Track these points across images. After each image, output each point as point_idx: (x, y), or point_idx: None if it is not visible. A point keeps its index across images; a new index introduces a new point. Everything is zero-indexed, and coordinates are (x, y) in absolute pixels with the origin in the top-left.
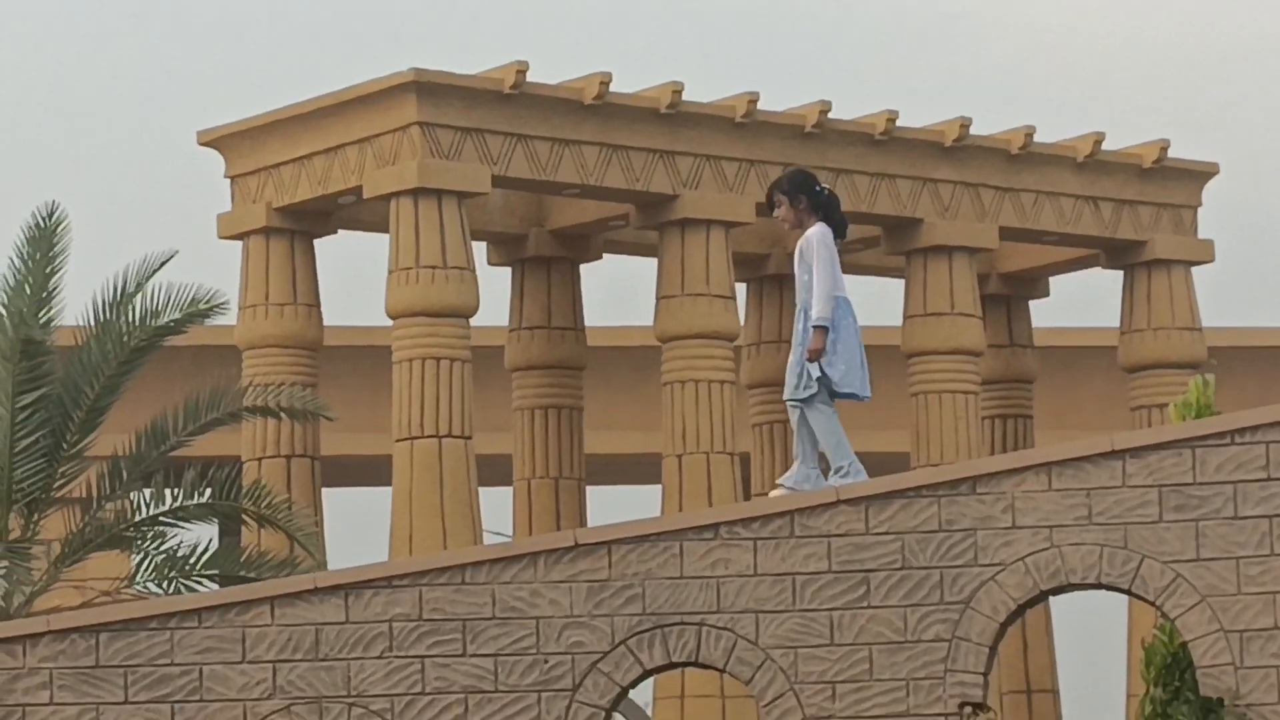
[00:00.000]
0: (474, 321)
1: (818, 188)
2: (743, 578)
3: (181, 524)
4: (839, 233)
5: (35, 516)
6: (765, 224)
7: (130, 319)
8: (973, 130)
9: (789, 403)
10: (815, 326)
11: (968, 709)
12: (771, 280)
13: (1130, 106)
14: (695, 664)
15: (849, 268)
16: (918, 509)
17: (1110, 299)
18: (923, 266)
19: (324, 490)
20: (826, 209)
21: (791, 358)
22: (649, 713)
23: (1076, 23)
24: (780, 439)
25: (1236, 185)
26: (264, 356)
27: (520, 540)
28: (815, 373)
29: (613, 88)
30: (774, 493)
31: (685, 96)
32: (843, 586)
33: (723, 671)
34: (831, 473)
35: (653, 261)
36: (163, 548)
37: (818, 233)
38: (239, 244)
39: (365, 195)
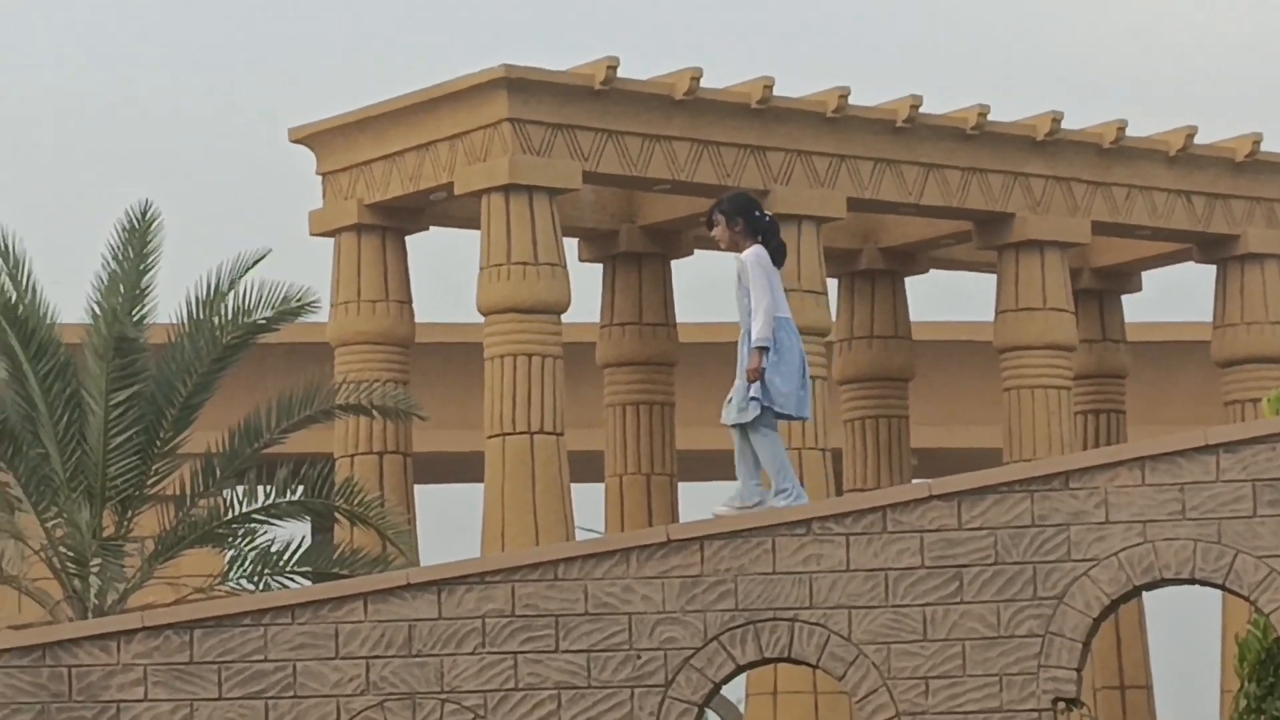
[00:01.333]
0: (565, 318)
1: (758, 213)
2: (835, 573)
3: (274, 521)
4: (777, 260)
5: (129, 514)
6: (856, 219)
7: (223, 317)
8: (1064, 125)
9: (730, 427)
10: (755, 347)
11: (1061, 705)
12: (863, 275)
13: (1222, 100)
14: (788, 660)
15: (940, 262)
16: (1011, 504)
17: (1203, 293)
18: (1015, 261)
19: (416, 487)
20: (765, 234)
21: (736, 382)
22: (741, 710)
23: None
24: (872, 434)
25: None
26: (356, 353)
27: (612, 536)
28: (754, 392)
29: (703, 83)
30: (720, 511)
31: (776, 91)
32: (936, 582)
33: (815, 667)
34: (773, 494)
35: None
36: (255, 545)
37: (753, 255)
38: (331, 241)
39: (456, 191)
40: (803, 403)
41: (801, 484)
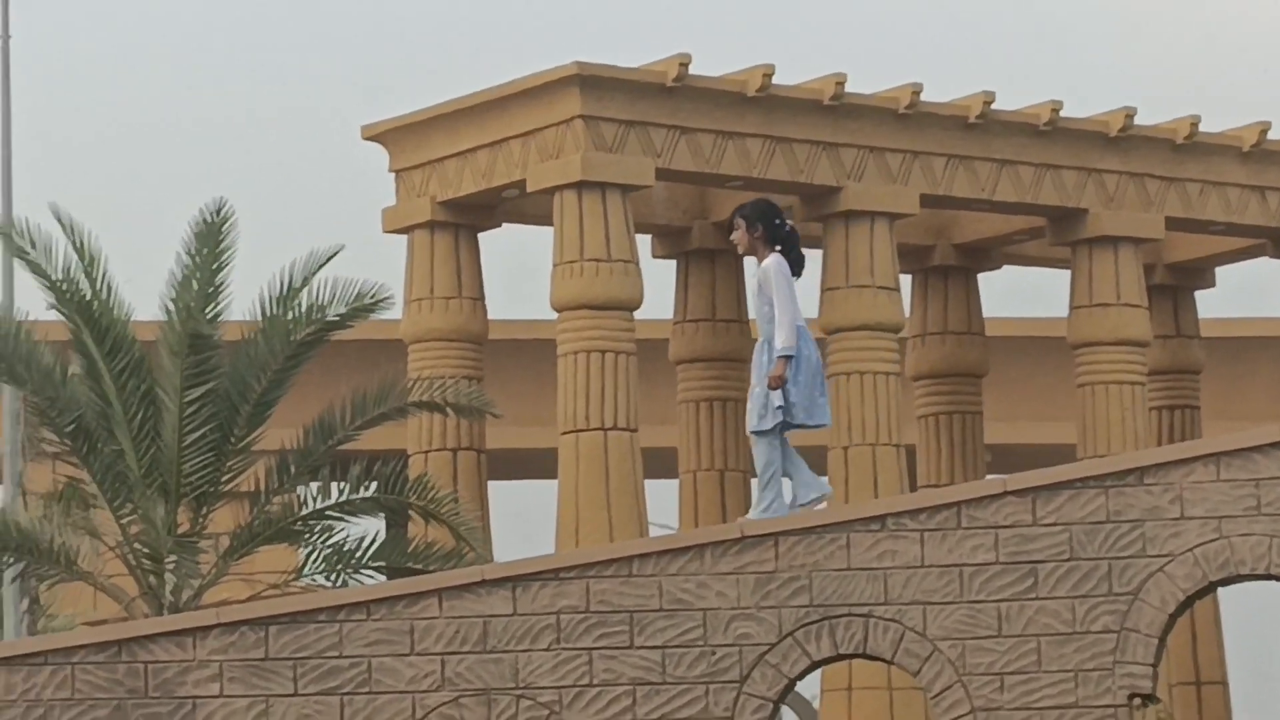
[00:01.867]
0: (638, 314)
1: (778, 220)
2: (910, 569)
3: (348, 517)
4: (795, 270)
5: (204, 510)
6: (929, 215)
7: (296, 314)
8: (1137, 120)
9: (752, 434)
10: (780, 356)
11: (1137, 700)
12: (936, 271)
13: None
14: (863, 656)
15: (1012, 258)
16: (1085, 500)
17: (1277, 289)
18: (1088, 257)
19: (489, 483)
20: (785, 243)
21: (756, 389)
22: (816, 706)
23: (1239, 12)
24: (946, 430)
25: None
26: (429, 350)
27: (687, 532)
28: (777, 401)
29: (775, 80)
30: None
31: (848, 88)
32: (1011, 578)
33: (890, 663)
34: (755, 505)
35: (817, 253)
36: (330, 541)
37: (774, 264)
38: (404, 238)
39: (529, 189)
40: (820, 411)
41: (826, 483)
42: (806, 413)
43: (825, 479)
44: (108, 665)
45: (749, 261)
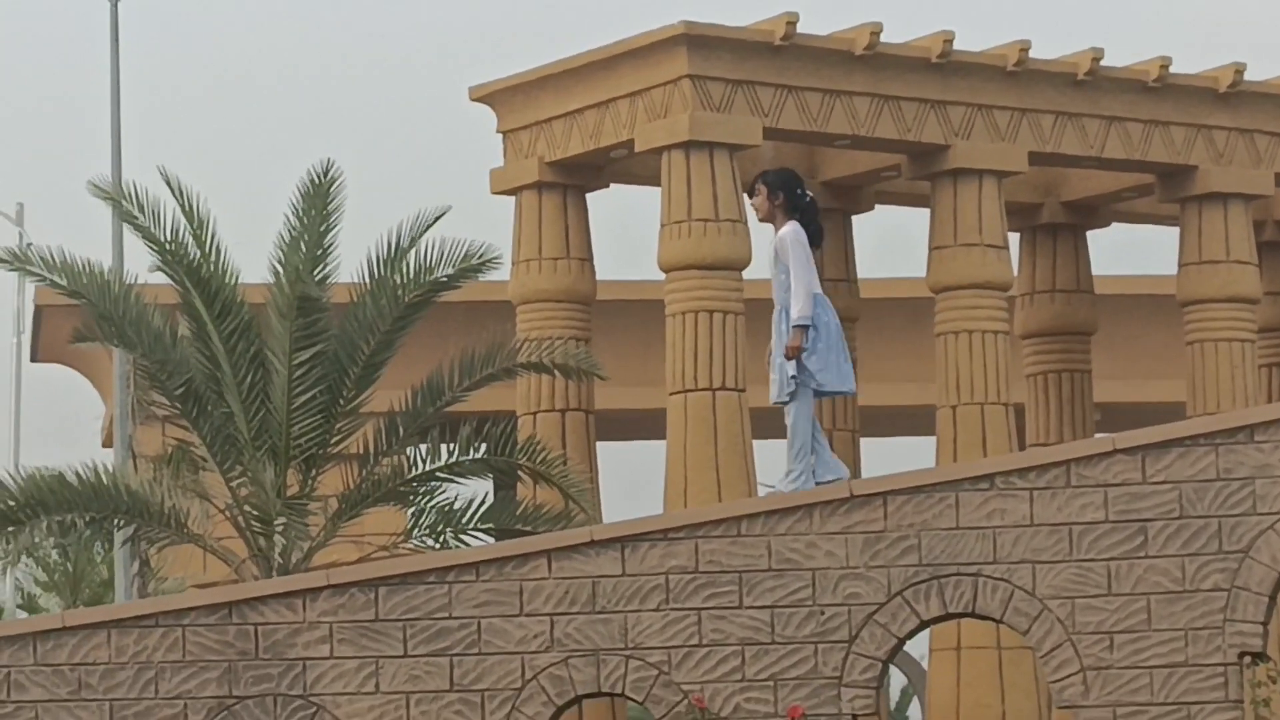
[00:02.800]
0: (746, 274)
1: (800, 190)
2: (1019, 528)
3: (457, 479)
4: (815, 242)
5: (313, 472)
6: (1037, 173)
7: (405, 275)
8: (1247, 76)
9: (776, 403)
10: (796, 325)
11: (1247, 659)
12: (1045, 230)
13: None
14: (972, 615)
15: (1121, 216)
16: (1195, 458)
17: None
18: (1197, 214)
19: (597, 444)
20: (805, 213)
21: (774, 359)
22: (924, 665)
23: None
24: (1055, 389)
25: None
26: (537, 311)
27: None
28: (792, 370)
29: (883, 38)
30: (780, 488)
31: (956, 46)
32: (1120, 536)
33: (999, 622)
34: (783, 475)
35: (924, 212)
36: (438, 503)
37: (791, 232)
38: (511, 199)
39: (637, 149)
40: (845, 377)
41: (845, 468)
42: (830, 379)
43: (843, 464)
44: (218, 627)
45: (857, 220)
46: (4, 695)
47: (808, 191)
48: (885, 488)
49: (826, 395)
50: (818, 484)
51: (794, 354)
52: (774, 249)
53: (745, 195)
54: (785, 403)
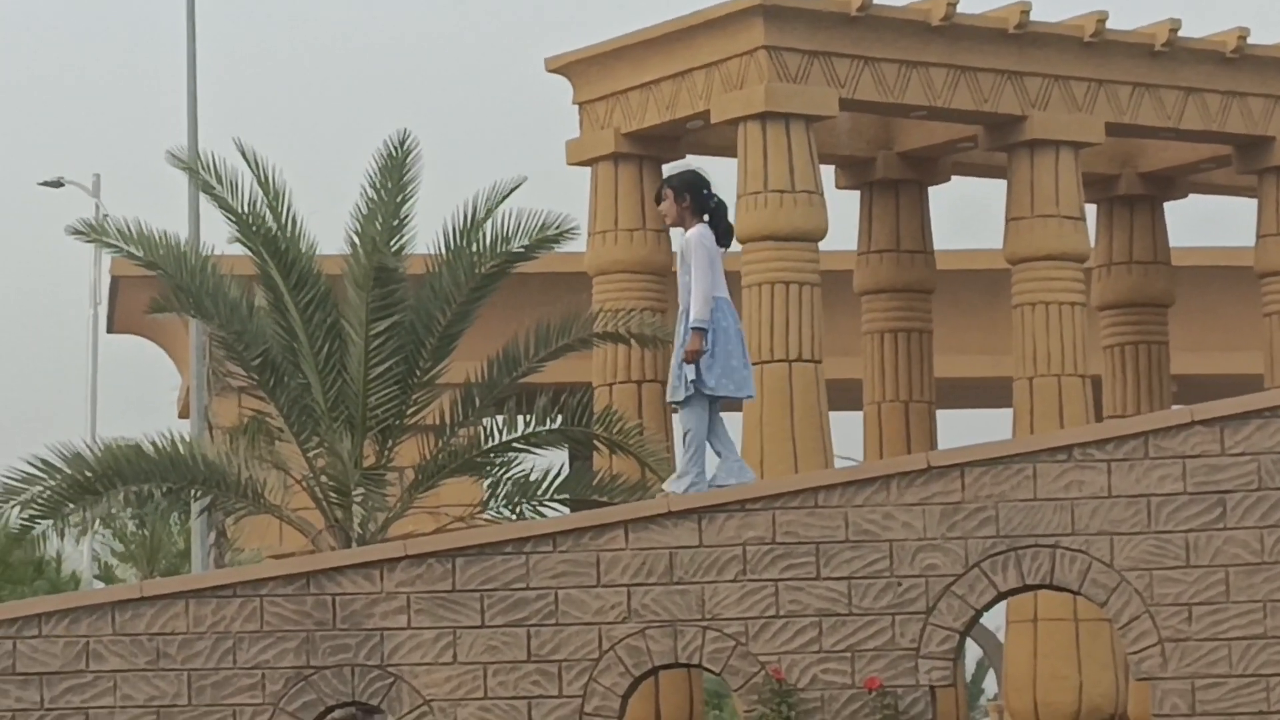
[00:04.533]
0: (822, 245)
1: (706, 192)
2: (1097, 499)
3: (533, 449)
4: (723, 241)
5: (389, 443)
6: (1114, 144)
7: (481, 246)
8: None
9: (670, 404)
10: (693, 328)
11: None
12: (1121, 201)
13: None
14: (1049, 586)
15: (1199, 187)
16: (1274, 429)
17: None
18: (1275, 185)
19: (672, 416)
20: (713, 214)
21: (673, 360)
22: (1000, 638)
23: None
24: (1132, 360)
25: None
26: (614, 282)
27: (873, 463)
28: (691, 375)
29: (960, 8)
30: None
31: (1033, 16)
32: (1198, 508)
33: (1077, 594)
34: (675, 475)
35: (1001, 183)
36: (514, 473)
37: (697, 234)
38: (587, 170)
39: (713, 120)
40: (741, 383)
41: (752, 475)
42: (725, 385)
43: (751, 471)
44: (296, 597)
45: (933, 190)
46: (83, 665)
47: (715, 193)
48: (963, 459)
49: (721, 399)
50: (716, 486)
51: (693, 358)
52: (680, 251)
53: (654, 202)
54: (679, 403)
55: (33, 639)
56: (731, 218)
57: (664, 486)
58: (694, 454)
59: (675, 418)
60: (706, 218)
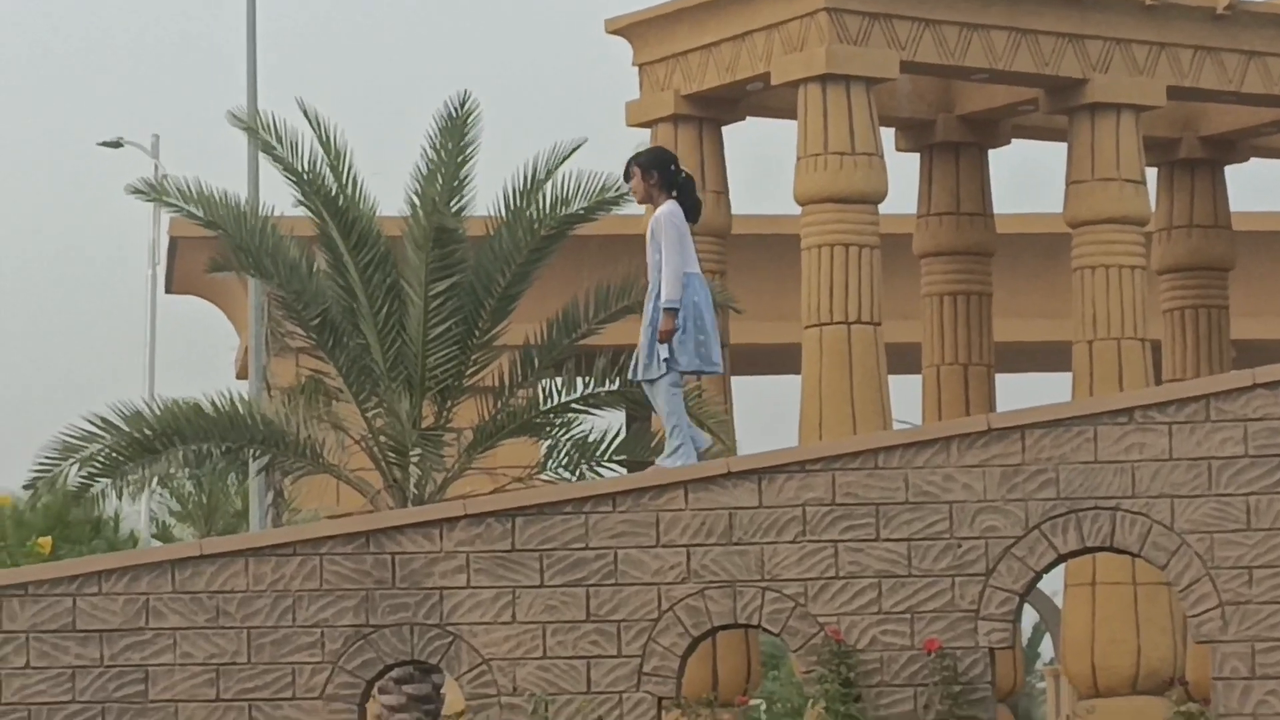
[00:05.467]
0: (881, 208)
1: (673, 168)
2: (1158, 462)
3: (592, 411)
4: (692, 216)
5: (448, 404)
6: (1175, 107)
7: (540, 207)
8: None
9: (641, 383)
10: (665, 308)
11: None
12: (1183, 165)
13: None
14: (1109, 549)
15: (1260, 151)
16: None
17: None
18: None
19: (732, 378)
20: (681, 190)
21: (642, 338)
22: (1056, 602)
23: None
24: (1192, 324)
25: None
26: None
27: (932, 425)
28: (664, 354)
29: None
30: (664, 462)
31: None
32: (1260, 470)
33: (1137, 556)
34: (665, 452)
35: (1061, 146)
36: (572, 435)
37: (667, 211)
38: (647, 131)
39: (773, 82)
40: (709, 357)
41: (700, 442)
42: (695, 361)
43: (703, 435)
44: (355, 556)
45: (993, 154)
46: (143, 622)
47: (682, 168)
48: (1023, 421)
49: (691, 374)
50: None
51: (666, 337)
52: (650, 228)
53: (621, 180)
54: (652, 381)
55: (93, 596)
56: (793, 180)
57: (661, 461)
58: (675, 426)
59: (649, 393)
60: (674, 194)
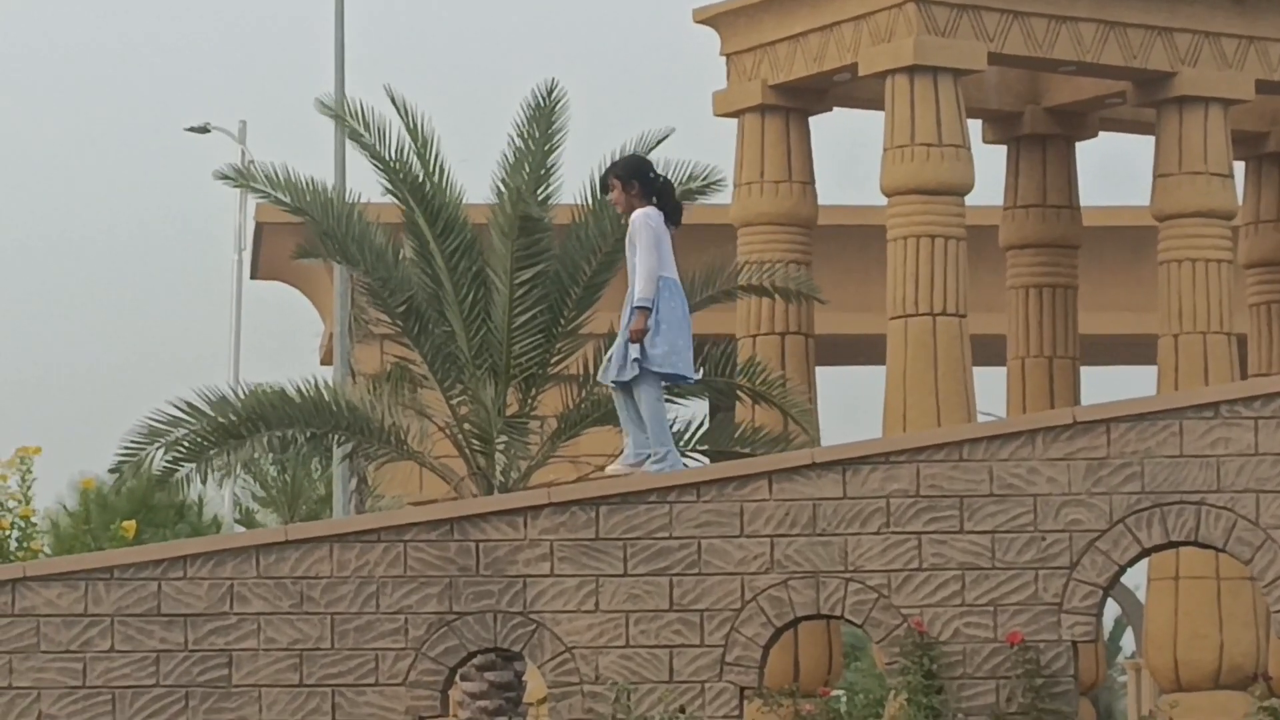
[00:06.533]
0: (967, 200)
1: (652, 174)
2: (1243, 457)
3: (676, 400)
4: (673, 219)
5: (532, 392)
6: (1263, 101)
7: None
8: None
9: (610, 384)
10: (637, 307)
11: None
12: (1270, 158)
13: None
14: (1194, 543)
15: None
16: None
17: None
18: None
19: (816, 369)
20: (661, 195)
21: (618, 340)
22: (1139, 596)
23: None
24: (1279, 320)
25: None
26: (758, 234)
27: (1017, 417)
28: (635, 354)
29: None
30: (612, 469)
31: None
32: None
33: (1222, 551)
34: (650, 458)
35: (1149, 139)
36: None
37: (644, 214)
38: (734, 122)
39: (860, 73)
40: (688, 363)
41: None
42: (670, 360)
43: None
44: (439, 543)
45: (1080, 146)
46: (227, 607)
47: (660, 173)
48: (1109, 415)
49: (665, 379)
50: (630, 467)
51: (637, 337)
52: (629, 232)
53: (601, 194)
54: (624, 382)
55: (177, 580)
56: (878, 171)
57: (646, 467)
58: (660, 431)
59: (618, 396)
60: (654, 200)
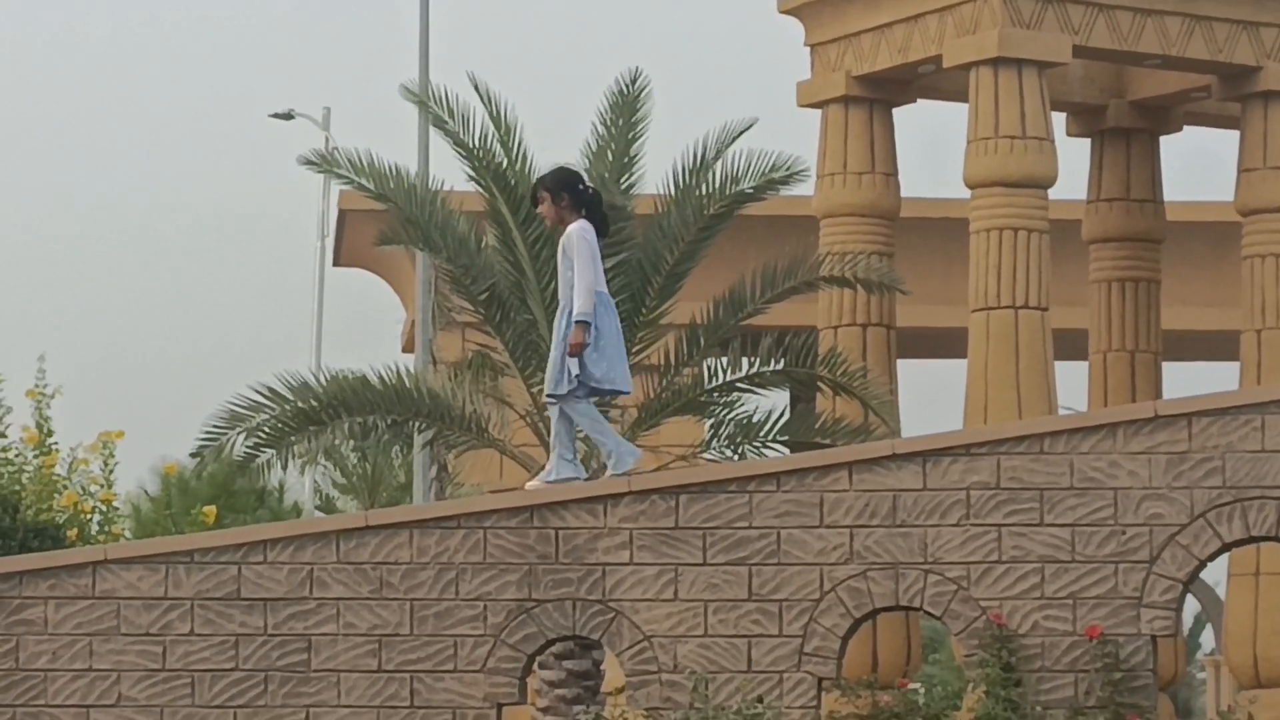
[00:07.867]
0: (1051, 193)
1: (581, 186)
2: None
3: (757, 390)
4: (601, 231)
5: None
6: None
7: (709, 186)
8: None
9: (547, 398)
10: (577, 321)
11: None
12: None
13: None
14: (1275, 539)
15: None
16: None
17: None
18: None
19: (897, 360)
20: (589, 206)
21: (553, 354)
22: (1218, 592)
23: None
24: None
25: None
26: (841, 225)
27: (1099, 411)
28: (575, 369)
29: None
30: (530, 485)
31: None
32: None
33: None
34: (605, 458)
35: (1233, 134)
36: (736, 414)
37: (578, 229)
38: (818, 112)
39: (945, 64)
40: (625, 377)
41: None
42: (609, 377)
43: (583, 469)
44: (519, 530)
45: (1165, 140)
46: (307, 592)
47: (589, 184)
48: (1191, 409)
49: (602, 394)
50: (549, 483)
51: (576, 350)
52: (562, 246)
53: (532, 206)
54: (562, 396)
55: (258, 565)
56: (963, 163)
57: (610, 470)
58: (601, 435)
59: (554, 413)
60: (584, 212)
